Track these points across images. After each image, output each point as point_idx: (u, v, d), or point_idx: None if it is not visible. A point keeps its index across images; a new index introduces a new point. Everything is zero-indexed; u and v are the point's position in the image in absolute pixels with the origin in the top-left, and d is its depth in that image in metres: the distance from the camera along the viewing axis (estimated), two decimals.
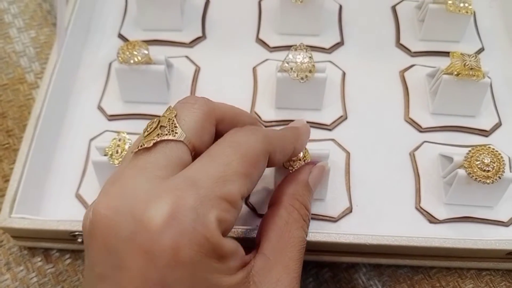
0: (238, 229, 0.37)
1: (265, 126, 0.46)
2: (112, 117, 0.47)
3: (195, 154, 0.29)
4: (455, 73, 0.44)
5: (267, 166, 0.31)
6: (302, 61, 0.44)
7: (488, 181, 0.38)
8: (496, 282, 0.41)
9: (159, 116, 0.29)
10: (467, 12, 0.48)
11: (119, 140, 0.39)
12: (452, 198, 0.41)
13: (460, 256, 0.39)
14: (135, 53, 0.45)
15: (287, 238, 0.30)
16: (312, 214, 0.41)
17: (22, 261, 0.42)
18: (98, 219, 0.25)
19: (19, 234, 0.40)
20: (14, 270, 0.42)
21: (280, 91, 0.45)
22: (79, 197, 0.42)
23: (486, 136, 0.46)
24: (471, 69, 0.43)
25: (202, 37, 0.53)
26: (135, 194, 0.25)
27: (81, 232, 0.37)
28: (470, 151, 0.40)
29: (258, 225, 0.33)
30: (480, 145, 0.40)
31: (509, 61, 0.51)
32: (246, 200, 0.41)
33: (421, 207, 0.42)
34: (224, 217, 0.25)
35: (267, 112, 0.47)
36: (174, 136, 0.27)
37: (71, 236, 0.39)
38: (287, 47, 0.46)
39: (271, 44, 0.52)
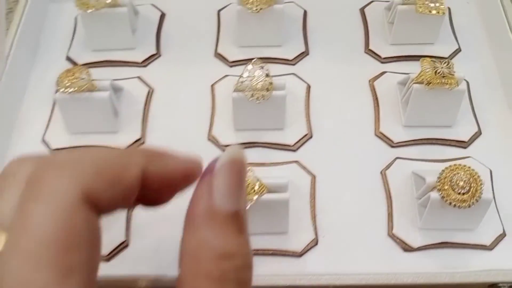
0: None
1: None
2: (57, 151, 0.43)
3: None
4: (425, 82, 0.40)
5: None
6: (258, 79, 0.40)
7: (464, 205, 0.34)
8: None
9: None
10: (438, 12, 0.44)
11: None
12: (427, 222, 0.37)
13: None
14: (75, 80, 0.41)
15: None
16: (272, 250, 0.37)
17: None
18: None
19: None
20: None
21: (237, 112, 0.42)
22: None
23: (465, 147, 0.42)
24: (443, 76, 0.40)
25: (157, 54, 0.49)
26: None
27: None
28: (443, 170, 0.36)
29: None
30: (455, 164, 0.36)
31: (488, 61, 0.47)
32: None
33: (393, 234, 0.38)
34: None
35: (226, 134, 0.43)
36: None
37: None
38: (248, 61, 0.42)
39: (230, 58, 0.48)
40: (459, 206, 0.34)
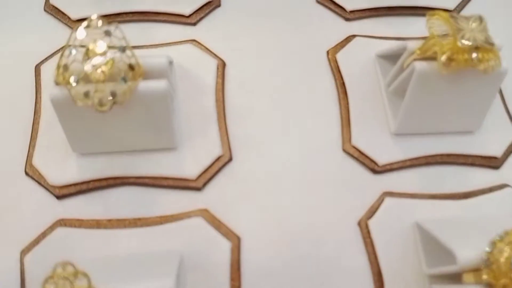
0: None
1: None
2: None
3: None
4: (444, 58, 0.20)
5: None
6: (100, 59, 0.19)
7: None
8: None
9: None
10: None
11: None
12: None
13: None
14: None
15: None
16: None
17: None
18: None
19: None
20: None
21: (66, 124, 0.21)
22: None
23: (497, 168, 0.24)
24: (477, 48, 0.20)
25: None
26: None
27: None
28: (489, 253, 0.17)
29: None
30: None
31: None
32: None
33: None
34: None
35: (58, 165, 0.22)
36: None
37: None
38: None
39: (73, 15, 0.26)
40: None
